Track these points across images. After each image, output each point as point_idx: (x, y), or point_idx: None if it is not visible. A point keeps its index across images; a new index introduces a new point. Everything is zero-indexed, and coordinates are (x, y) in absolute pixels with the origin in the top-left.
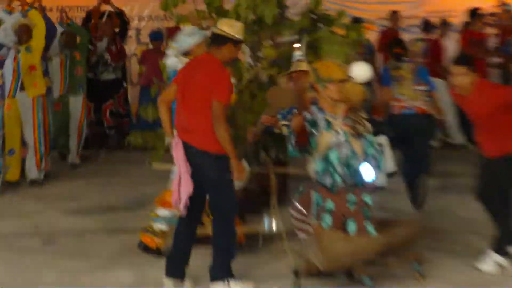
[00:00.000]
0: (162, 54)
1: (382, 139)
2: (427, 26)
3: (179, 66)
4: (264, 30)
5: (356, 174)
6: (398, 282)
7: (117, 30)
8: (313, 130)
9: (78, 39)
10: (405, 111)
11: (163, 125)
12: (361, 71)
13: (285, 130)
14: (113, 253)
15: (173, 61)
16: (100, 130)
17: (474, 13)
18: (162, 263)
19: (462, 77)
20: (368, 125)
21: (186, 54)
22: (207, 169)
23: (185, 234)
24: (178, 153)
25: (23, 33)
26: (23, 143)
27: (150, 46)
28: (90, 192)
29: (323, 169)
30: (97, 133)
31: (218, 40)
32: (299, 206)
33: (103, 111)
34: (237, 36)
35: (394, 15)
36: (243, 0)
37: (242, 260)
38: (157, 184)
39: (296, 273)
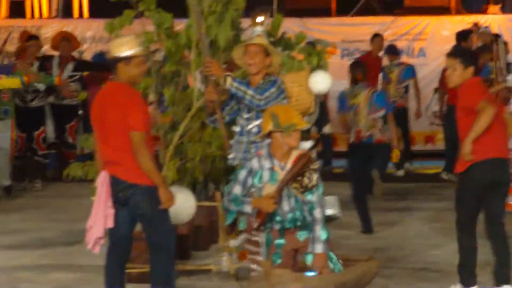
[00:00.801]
0: (107, 79)
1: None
2: (392, 50)
3: None
4: (217, 54)
5: (303, 218)
6: None
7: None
8: (256, 183)
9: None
10: (364, 140)
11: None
12: (320, 80)
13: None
14: None
15: None
16: (35, 159)
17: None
18: None
19: (452, 70)
20: (315, 179)
21: None
22: (139, 202)
23: (116, 271)
24: (102, 188)
25: None
26: None
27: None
28: (24, 225)
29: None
30: (32, 163)
31: (111, 64)
32: (254, 237)
33: (35, 139)
34: (125, 54)
35: (376, 39)
36: (195, 20)
37: None
38: None
39: None
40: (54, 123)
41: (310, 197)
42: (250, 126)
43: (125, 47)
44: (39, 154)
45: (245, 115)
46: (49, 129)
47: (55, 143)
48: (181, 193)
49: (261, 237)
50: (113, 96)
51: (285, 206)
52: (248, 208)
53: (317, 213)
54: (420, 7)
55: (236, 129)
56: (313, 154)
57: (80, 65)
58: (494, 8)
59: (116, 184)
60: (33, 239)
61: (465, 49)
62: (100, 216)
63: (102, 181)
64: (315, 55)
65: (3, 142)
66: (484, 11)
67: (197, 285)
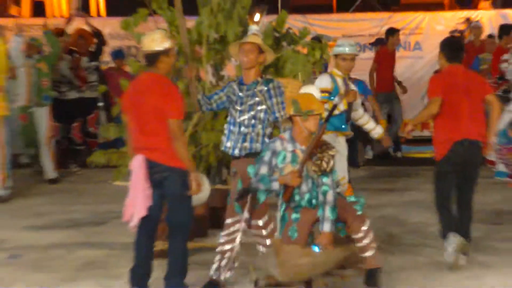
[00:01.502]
0: (124, 73)
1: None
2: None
3: None
4: (226, 49)
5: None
6: None
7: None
8: (279, 163)
9: (48, 50)
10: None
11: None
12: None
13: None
14: (78, 267)
15: None
16: (70, 147)
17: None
18: (126, 276)
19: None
20: (331, 164)
21: None
22: (172, 183)
23: (145, 247)
24: (140, 171)
25: None
26: None
27: (112, 65)
28: (54, 208)
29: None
30: (66, 151)
31: (150, 58)
32: (258, 222)
33: (73, 129)
34: (163, 47)
35: (395, 34)
36: (205, 18)
37: (204, 273)
38: (119, 202)
39: (256, 284)
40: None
41: (325, 180)
42: (242, 118)
43: (162, 41)
44: (76, 143)
45: (238, 107)
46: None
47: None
48: None
49: (277, 215)
50: (151, 86)
51: (303, 186)
52: (276, 185)
53: (330, 195)
54: (415, 3)
55: (228, 119)
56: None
57: (93, 55)
58: (485, 3)
59: (152, 167)
60: (62, 220)
61: (447, 42)
62: (141, 196)
63: (139, 164)
64: (318, 49)
65: (43, 126)
66: (475, 7)
67: (214, 260)
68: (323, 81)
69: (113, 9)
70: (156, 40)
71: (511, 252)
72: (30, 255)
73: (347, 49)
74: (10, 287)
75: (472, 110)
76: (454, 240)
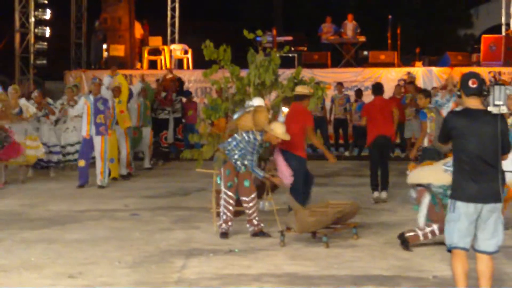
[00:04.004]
0: (193, 104)
1: None
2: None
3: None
4: (265, 89)
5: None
6: (343, 239)
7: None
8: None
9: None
10: None
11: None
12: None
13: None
14: (172, 221)
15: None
16: (160, 149)
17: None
18: (209, 227)
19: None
20: None
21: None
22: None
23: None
24: (280, 156)
25: (116, 91)
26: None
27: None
28: (158, 185)
29: None
30: (158, 152)
31: (300, 97)
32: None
33: (160, 137)
34: (308, 92)
35: (410, 85)
36: (252, 70)
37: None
38: (199, 181)
39: (282, 233)
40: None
41: None
42: None
43: (307, 90)
44: (162, 146)
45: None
46: (169, 132)
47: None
48: None
49: None
50: (297, 110)
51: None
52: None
53: None
54: (377, 62)
55: None
56: None
57: (180, 93)
58: (419, 63)
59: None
60: (162, 192)
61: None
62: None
63: (279, 152)
64: (320, 89)
65: (147, 139)
66: (413, 65)
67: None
68: None
69: (196, 65)
70: (305, 89)
71: None
72: (144, 214)
73: None
74: (131, 232)
75: (384, 118)
76: (375, 194)
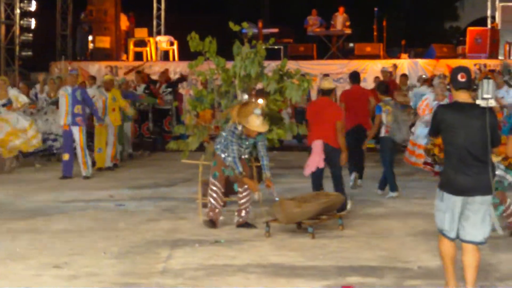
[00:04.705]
0: (181, 96)
1: None
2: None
3: None
4: (251, 81)
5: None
6: (328, 229)
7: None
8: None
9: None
10: None
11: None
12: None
13: None
14: (160, 212)
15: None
16: (143, 140)
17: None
18: (195, 218)
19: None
20: None
21: None
22: (335, 156)
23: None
24: (318, 148)
25: (109, 85)
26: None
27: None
28: (144, 175)
29: None
30: (141, 142)
31: (327, 91)
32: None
33: (142, 128)
34: (333, 87)
35: (403, 78)
36: (238, 62)
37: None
38: (184, 172)
39: (267, 223)
40: (153, 120)
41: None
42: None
43: (333, 84)
44: (145, 137)
45: None
46: (150, 124)
47: (154, 131)
48: None
49: None
50: (327, 104)
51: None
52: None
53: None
54: (363, 55)
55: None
56: None
57: (170, 84)
58: (404, 55)
59: (325, 146)
60: (148, 183)
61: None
62: (319, 159)
63: (319, 144)
64: (305, 81)
65: (127, 131)
66: (399, 57)
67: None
68: None
69: (182, 57)
70: (331, 83)
71: None
72: (130, 204)
73: None
74: (116, 222)
75: (361, 106)
76: (353, 174)
